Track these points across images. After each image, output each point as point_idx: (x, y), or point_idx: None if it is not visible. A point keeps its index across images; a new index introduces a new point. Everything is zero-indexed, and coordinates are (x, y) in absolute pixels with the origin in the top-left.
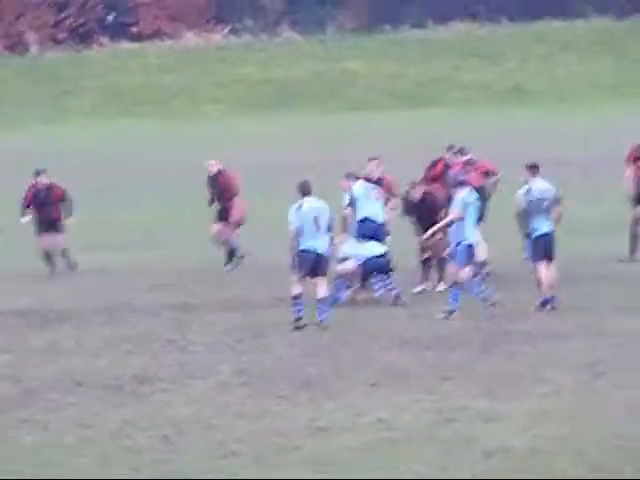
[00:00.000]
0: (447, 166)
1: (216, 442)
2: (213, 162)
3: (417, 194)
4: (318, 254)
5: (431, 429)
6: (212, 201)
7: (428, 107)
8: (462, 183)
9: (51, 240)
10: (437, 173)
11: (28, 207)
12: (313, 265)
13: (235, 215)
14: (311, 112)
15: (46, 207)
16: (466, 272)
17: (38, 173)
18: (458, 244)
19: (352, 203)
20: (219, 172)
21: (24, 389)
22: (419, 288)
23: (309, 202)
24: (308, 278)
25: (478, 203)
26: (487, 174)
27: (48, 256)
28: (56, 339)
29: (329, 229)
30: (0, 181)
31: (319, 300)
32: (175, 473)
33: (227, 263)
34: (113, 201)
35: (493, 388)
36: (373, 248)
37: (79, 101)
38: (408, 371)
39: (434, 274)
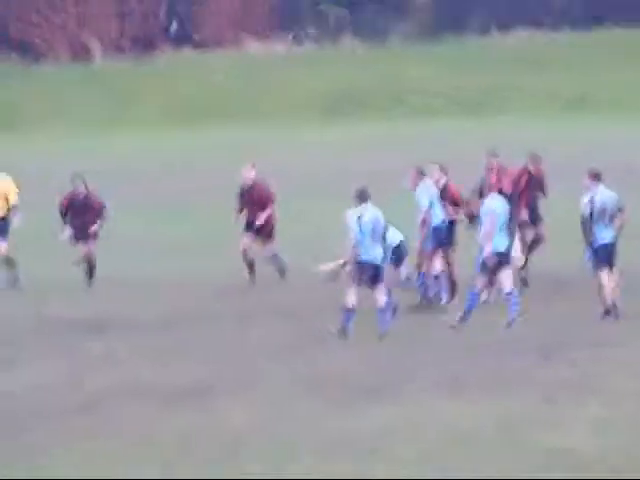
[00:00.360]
0: (531, 175)
1: (278, 450)
2: (249, 169)
3: (477, 206)
4: (376, 265)
5: (492, 435)
6: (241, 210)
7: (492, 115)
8: (487, 189)
9: (83, 248)
10: (524, 185)
11: (66, 214)
12: (371, 276)
13: (266, 229)
14: (374, 119)
15: (81, 216)
16: (481, 280)
17: (74, 180)
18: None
19: (431, 205)
20: (254, 183)
21: (83, 398)
22: (482, 297)
23: (368, 212)
24: (367, 288)
25: (506, 208)
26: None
27: (84, 262)
28: (115, 347)
29: (383, 237)
30: (61, 189)
31: (380, 310)
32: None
33: (282, 276)
34: (175, 210)
35: (554, 395)
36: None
37: (142, 109)
38: (469, 378)
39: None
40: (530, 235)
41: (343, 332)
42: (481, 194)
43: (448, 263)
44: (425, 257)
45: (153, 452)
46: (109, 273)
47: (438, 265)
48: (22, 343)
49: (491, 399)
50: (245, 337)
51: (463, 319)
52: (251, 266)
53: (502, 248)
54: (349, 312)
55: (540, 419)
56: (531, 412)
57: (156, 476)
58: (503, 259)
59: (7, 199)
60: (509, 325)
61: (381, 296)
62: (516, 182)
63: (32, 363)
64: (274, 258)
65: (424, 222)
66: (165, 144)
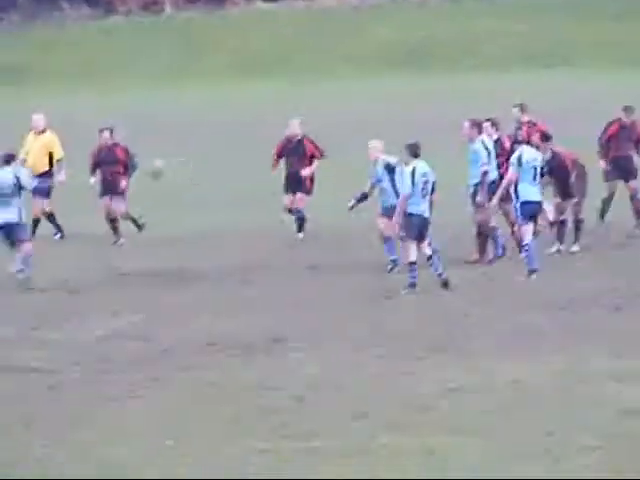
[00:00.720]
0: (623, 127)
1: (348, 403)
2: (297, 124)
3: (545, 154)
4: (425, 218)
5: (564, 390)
6: (278, 161)
7: (561, 67)
8: (519, 142)
9: (109, 204)
10: (612, 134)
11: (94, 166)
12: (420, 229)
13: (308, 184)
14: (444, 71)
15: (107, 167)
16: (528, 229)
17: (102, 131)
18: (516, 202)
19: (489, 157)
20: (303, 137)
21: (156, 349)
22: (554, 248)
23: (421, 166)
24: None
25: (537, 162)
26: (544, 137)
27: (110, 220)
28: (189, 299)
29: (432, 192)
30: (135, 142)
31: (428, 258)
32: (306, 434)
33: (299, 232)
34: (244, 161)
35: (627, 348)
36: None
37: (212, 61)
38: (541, 332)
39: (569, 235)
40: (612, 188)
41: (412, 286)
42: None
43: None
44: (484, 211)
45: (221, 402)
46: (180, 225)
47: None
48: (95, 295)
49: (563, 354)
50: (318, 289)
51: (530, 273)
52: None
53: (533, 198)
54: (413, 265)
55: (610, 372)
56: (604, 366)
57: (224, 425)
58: (534, 208)
59: (51, 154)
60: (528, 275)
61: (425, 247)
62: (604, 134)
63: (104, 315)
64: (298, 212)
65: (485, 175)
66: (234, 96)
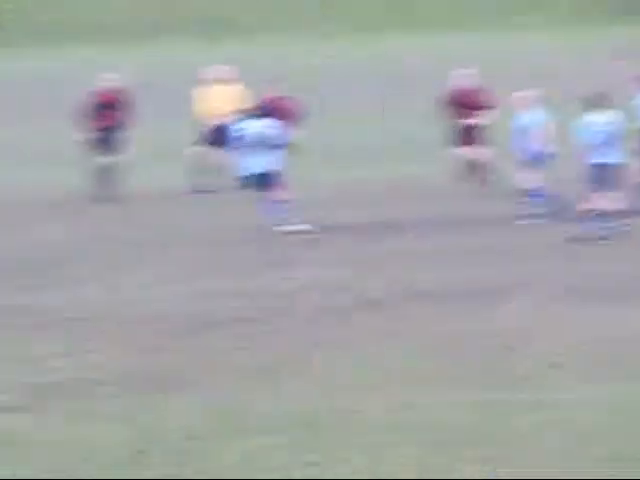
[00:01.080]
0: None
1: (543, 352)
2: (467, 74)
3: None
4: (610, 165)
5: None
6: (451, 115)
7: None
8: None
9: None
10: None
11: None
12: (608, 177)
13: (481, 136)
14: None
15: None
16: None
17: (272, 83)
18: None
19: None
20: (477, 88)
21: (365, 300)
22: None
23: (600, 116)
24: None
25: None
26: None
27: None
28: (394, 250)
29: (618, 140)
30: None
31: (600, 214)
32: (505, 385)
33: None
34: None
35: None
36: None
37: (427, 11)
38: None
39: None
40: None
41: (606, 237)
42: None
43: None
44: None
45: (428, 349)
46: (374, 177)
47: None
48: (301, 246)
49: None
50: (519, 240)
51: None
52: (472, 171)
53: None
54: (604, 216)
55: None
56: None
57: (428, 371)
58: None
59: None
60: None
61: (605, 200)
62: None
63: (312, 265)
64: (484, 166)
65: None
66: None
